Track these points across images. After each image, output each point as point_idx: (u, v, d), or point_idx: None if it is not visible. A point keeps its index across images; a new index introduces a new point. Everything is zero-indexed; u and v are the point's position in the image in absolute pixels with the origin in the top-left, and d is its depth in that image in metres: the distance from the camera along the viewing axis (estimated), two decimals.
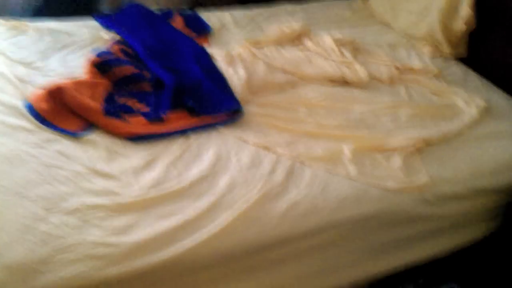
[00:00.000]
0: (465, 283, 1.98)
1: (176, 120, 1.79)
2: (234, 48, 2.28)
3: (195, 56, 2.10)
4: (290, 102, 1.99)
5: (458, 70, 2.38)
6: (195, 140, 1.72)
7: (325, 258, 1.57)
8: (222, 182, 1.55)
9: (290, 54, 2.29)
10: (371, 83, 2.16)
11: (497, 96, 2.19)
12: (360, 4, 2.94)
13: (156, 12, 2.52)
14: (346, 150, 1.74)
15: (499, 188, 1.77)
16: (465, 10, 2.33)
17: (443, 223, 1.74)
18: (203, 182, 1.55)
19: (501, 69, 2.33)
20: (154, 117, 1.79)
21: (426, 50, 2.48)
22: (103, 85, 1.90)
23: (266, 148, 1.72)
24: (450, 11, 2.39)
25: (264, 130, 1.81)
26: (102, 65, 1.96)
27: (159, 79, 1.94)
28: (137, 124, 1.75)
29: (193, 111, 1.83)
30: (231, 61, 2.14)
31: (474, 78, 2.32)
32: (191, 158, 1.64)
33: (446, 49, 2.46)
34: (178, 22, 2.46)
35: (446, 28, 2.42)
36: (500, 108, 2.09)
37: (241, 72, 2.05)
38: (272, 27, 2.54)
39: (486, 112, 2.04)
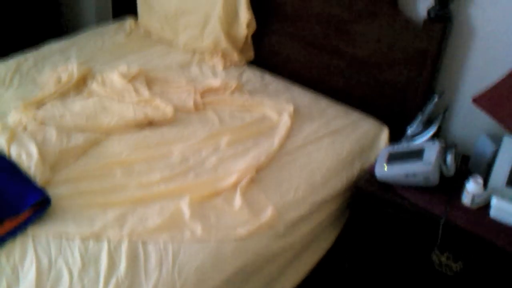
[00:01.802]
0: None
1: None
2: (10, 116, 1.91)
3: None
4: (100, 167, 1.73)
5: (253, 75, 2.35)
6: (7, 257, 1.38)
7: None
8: None
9: (80, 105, 2.00)
10: (177, 116, 2.01)
11: (297, 94, 2.22)
12: (132, 24, 2.71)
13: None
14: (184, 206, 1.57)
15: (335, 194, 1.79)
16: (244, 14, 2.30)
17: (297, 247, 1.69)
18: None
19: (285, 61, 2.37)
20: None
21: (216, 62, 2.40)
22: None
23: (95, 236, 1.46)
24: (230, 18, 2.33)
25: (84, 213, 1.54)
26: None
27: None
28: None
29: None
30: (12, 136, 1.77)
31: (271, 80, 2.32)
32: (8, 283, 1.31)
33: (235, 56, 2.41)
34: None
35: (229, 35, 2.37)
36: (306, 107, 2.12)
37: (30, 147, 1.72)
38: (46, 76, 2.19)
39: (296, 116, 2.04)
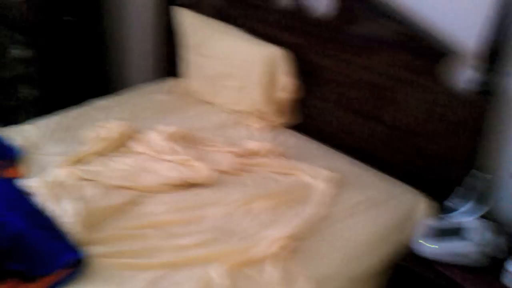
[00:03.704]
0: None
1: None
2: (53, 172, 1.94)
3: (9, 199, 1.73)
4: (136, 227, 1.74)
5: (292, 139, 2.35)
6: None
7: None
8: None
9: (121, 164, 2.03)
10: (214, 178, 2.00)
11: (338, 160, 2.20)
12: (175, 84, 2.77)
13: None
14: (216, 275, 1.54)
15: (373, 269, 1.73)
16: (285, 79, 2.32)
17: None
18: None
19: (326, 126, 2.37)
20: None
21: (256, 124, 2.42)
22: None
23: None
24: (271, 82, 2.35)
25: (116, 275, 1.52)
26: None
27: None
28: None
29: (22, 277, 1.47)
30: (54, 193, 1.80)
31: (310, 145, 2.31)
32: None
33: (275, 119, 2.42)
34: None
35: (270, 99, 2.39)
36: (345, 175, 2.08)
37: (69, 204, 1.74)
38: (90, 133, 2.23)
39: (335, 183, 2.02)
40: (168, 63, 2.90)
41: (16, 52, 2.71)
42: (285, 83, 2.33)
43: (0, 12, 2.79)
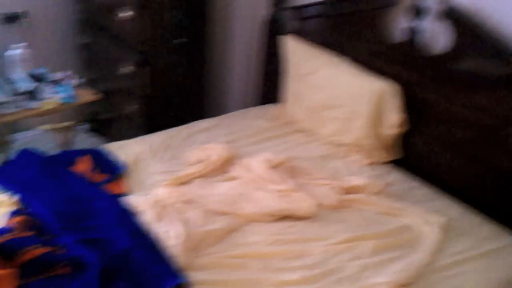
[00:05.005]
0: None
1: None
2: (156, 192, 1.94)
3: (117, 215, 1.76)
4: (237, 256, 1.70)
5: (398, 177, 2.25)
6: None
7: None
8: None
9: (222, 188, 2.02)
10: (318, 212, 1.94)
11: (446, 205, 2.07)
12: (276, 110, 2.75)
13: (57, 156, 2.15)
14: None
15: None
16: (394, 115, 2.23)
17: None
18: None
19: (432, 166, 2.25)
20: None
21: (360, 158, 2.34)
22: (7, 278, 1.49)
23: None
24: (377, 118, 2.27)
25: None
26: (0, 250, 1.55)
27: (78, 256, 1.56)
28: None
29: None
30: (157, 214, 1.81)
31: (417, 185, 2.20)
32: None
33: (378, 154, 2.34)
34: (84, 165, 2.10)
35: (376, 133, 2.30)
36: (456, 221, 1.96)
37: (176, 226, 1.73)
38: (193, 154, 2.24)
39: (445, 229, 1.90)
40: (269, 89, 2.89)
41: (126, 68, 2.79)
42: (393, 119, 2.24)
43: (112, 29, 2.89)
